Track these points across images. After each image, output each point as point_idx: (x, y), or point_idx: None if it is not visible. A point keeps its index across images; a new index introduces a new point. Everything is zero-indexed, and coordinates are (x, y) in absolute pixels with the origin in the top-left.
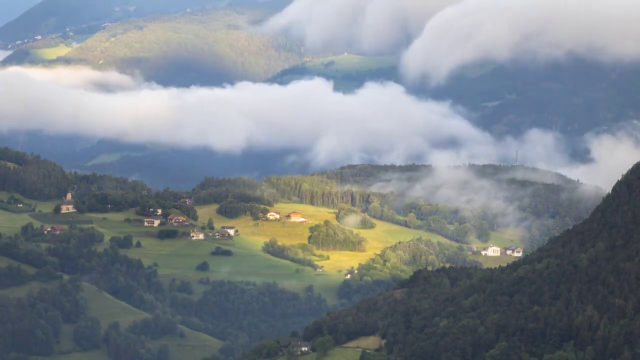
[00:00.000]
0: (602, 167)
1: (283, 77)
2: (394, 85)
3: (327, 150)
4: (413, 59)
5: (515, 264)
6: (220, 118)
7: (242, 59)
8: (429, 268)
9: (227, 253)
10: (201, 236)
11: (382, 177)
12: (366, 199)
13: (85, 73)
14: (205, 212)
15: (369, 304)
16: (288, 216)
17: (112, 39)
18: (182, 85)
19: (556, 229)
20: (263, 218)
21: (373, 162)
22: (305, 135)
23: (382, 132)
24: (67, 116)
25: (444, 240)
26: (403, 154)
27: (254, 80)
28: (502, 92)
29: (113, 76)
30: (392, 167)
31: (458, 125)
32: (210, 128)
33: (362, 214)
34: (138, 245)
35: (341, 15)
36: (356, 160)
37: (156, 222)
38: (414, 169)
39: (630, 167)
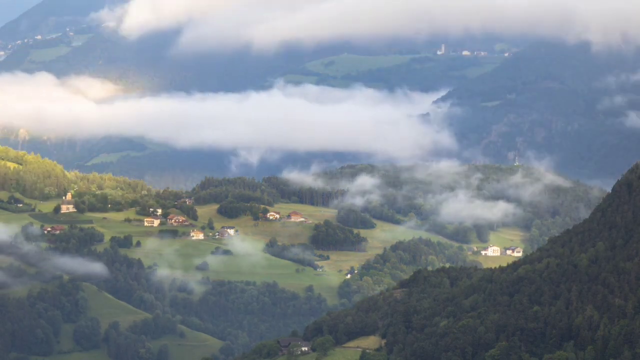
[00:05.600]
0: None
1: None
2: None
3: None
4: None
5: (515, 264)
6: (219, 119)
7: None
8: (429, 268)
9: (227, 253)
10: (201, 236)
11: (382, 176)
12: (367, 199)
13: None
14: (205, 212)
15: (369, 304)
16: (288, 216)
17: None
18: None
19: (556, 229)
20: (263, 218)
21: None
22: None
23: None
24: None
25: (444, 240)
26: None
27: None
28: (502, 92)
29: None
30: (393, 167)
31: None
32: (211, 129)
33: (363, 214)
34: (138, 245)
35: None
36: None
37: (156, 222)
38: (414, 169)
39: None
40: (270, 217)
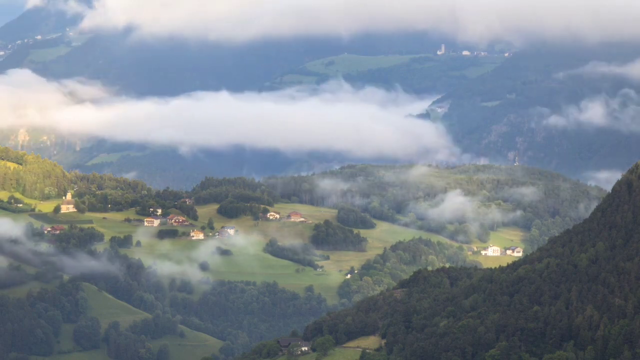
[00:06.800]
0: None
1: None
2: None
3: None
4: None
5: (515, 264)
6: (220, 119)
7: None
8: (429, 268)
9: (227, 253)
10: (201, 236)
11: (382, 176)
12: (366, 199)
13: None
14: (205, 212)
15: (369, 304)
16: (288, 216)
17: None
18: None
19: (556, 229)
20: (263, 218)
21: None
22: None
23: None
24: None
25: (444, 240)
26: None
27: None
28: (502, 92)
29: None
30: (392, 167)
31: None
32: (211, 129)
33: (362, 214)
34: (138, 244)
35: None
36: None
37: (156, 222)
38: (414, 169)
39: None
40: (270, 217)
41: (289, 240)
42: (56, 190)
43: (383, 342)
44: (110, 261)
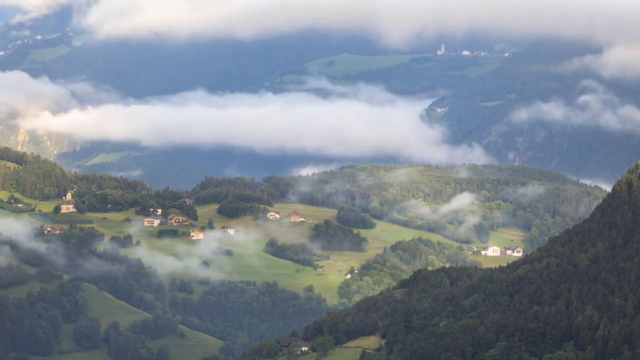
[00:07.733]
0: None
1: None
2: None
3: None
4: None
5: (515, 264)
6: (221, 119)
7: None
8: (429, 268)
9: (227, 253)
10: (201, 236)
11: (382, 176)
12: (366, 199)
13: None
14: (205, 212)
15: (369, 304)
16: (288, 216)
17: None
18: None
19: (556, 229)
20: (263, 218)
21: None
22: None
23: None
24: None
25: (444, 240)
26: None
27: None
28: (502, 92)
29: None
30: (392, 167)
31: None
32: (212, 129)
33: (362, 214)
34: (138, 244)
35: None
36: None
37: (156, 222)
38: (414, 169)
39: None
40: (270, 217)
41: (289, 240)
42: (56, 190)
43: (383, 342)
44: (110, 261)
